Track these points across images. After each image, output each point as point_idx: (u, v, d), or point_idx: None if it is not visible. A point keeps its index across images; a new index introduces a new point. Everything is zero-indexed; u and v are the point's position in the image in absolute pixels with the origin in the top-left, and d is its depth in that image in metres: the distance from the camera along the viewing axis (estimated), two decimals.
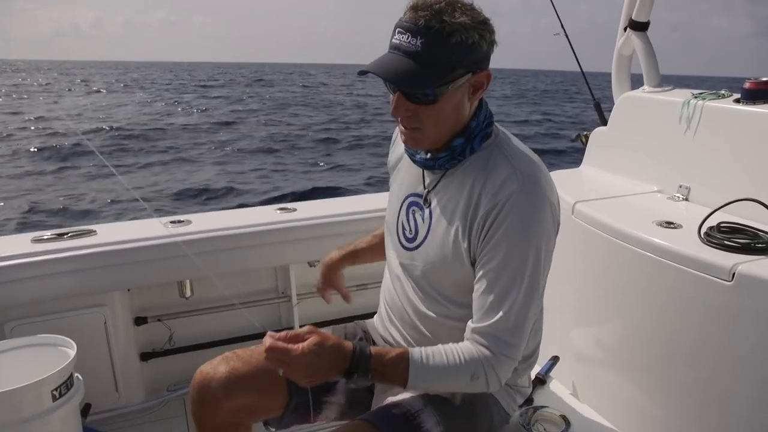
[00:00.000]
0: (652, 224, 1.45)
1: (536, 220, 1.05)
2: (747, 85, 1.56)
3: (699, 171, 1.63)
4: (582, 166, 2.05)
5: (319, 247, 1.46)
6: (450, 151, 1.12)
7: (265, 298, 2.21)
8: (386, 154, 1.39)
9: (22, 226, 7.29)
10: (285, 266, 2.19)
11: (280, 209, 2.13)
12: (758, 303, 1.17)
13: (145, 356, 2.09)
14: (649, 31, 2.00)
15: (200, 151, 13.77)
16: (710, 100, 1.64)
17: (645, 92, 1.93)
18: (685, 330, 1.33)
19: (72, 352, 1.51)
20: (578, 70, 2.44)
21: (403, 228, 1.24)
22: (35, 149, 13.29)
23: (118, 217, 7.80)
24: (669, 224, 1.45)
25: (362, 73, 1.04)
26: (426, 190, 1.20)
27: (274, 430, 1.31)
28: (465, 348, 1.06)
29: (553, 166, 1.28)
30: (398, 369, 1.03)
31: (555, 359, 1.70)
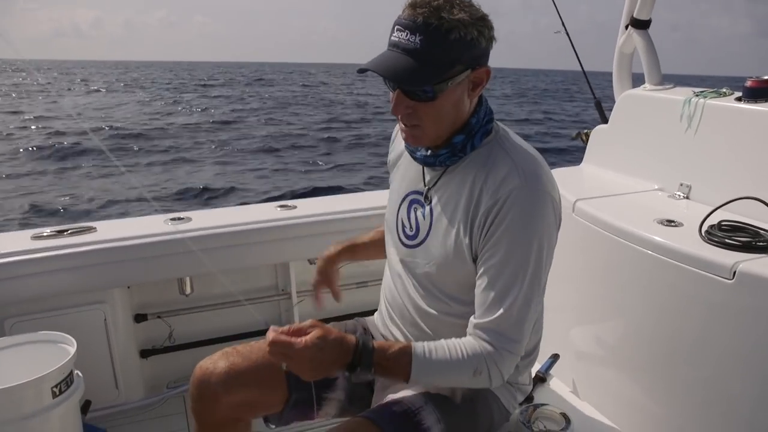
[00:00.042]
0: (652, 222, 1.45)
1: (538, 215, 1.05)
2: (748, 83, 1.56)
3: (700, 169, 1.63)
4: (583, 164, 2.05)
5: (320, 244, 1.46)
6: (450, 147, 1.12)
7: (266, 296, 2.21)
8: (387, 154, 1.39)
9: (22, 225, 7.29)
10: (285, 263, 2.19)
11: (281, 206, 2.13)
12: (759, 301, 1.16)
13: (145, 353, 2.09)
14: (650, 31, 2.00)
15: (200, 151, 13.77)
16: (711, 98, 1.64)
17: (646, 90, 1.93)
18: (686, 328, 1.33)
19: (72, 349, 1.51)
20: (578, 69, 2.44)
21: (404, 225, 1.24)
22: (34, 148, 13.29)
23: (119, 215, 7.79)
24: (670, 222, 1.45)
25: (362, 71, 1.04)
26: (426, 187, 1.20)
27: (274, 426, 1.31)
28: (468, 343, 1.06)
29: (553, 165, 1.28)
30: (401, 363, 1.03)
31: (555, 357, 1.70)
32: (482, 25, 1.03)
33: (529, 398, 1.43)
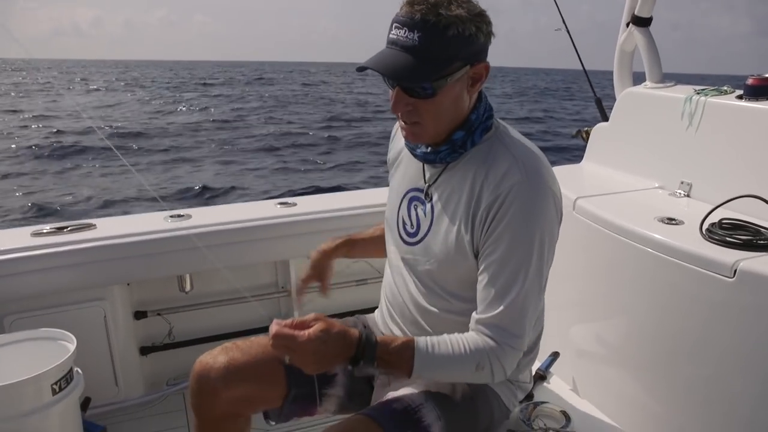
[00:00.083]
0: (653, 220, 1.45)
1: (539, 210, 1.05)
2: (750, 81, 1.56)
3: (701, 167, 1.63)
4: (583, 162, 2.05)
5: (320, 241, 1.46)
6: (451, 144, 1.12)
7: (266, 293, 2.21)
8: (387, 152, 1.39)
9: (22, 222, 7.29)
10: (285, 261, 2.19)
11: (281, 204, 2.13)
12: (760, 300, 1.16)
13: (144, 350, 2.09)
14: (650, 30, 2.00)
15: (201, 150, 13.76)
16: (712, 96, 1.64)
17: (647, 88, 1.92)
18: (687, 326, 1.33)
19: (72, 346, 1.51)
20: (579, 68, 2.44)
21: (404, 223, 1.24)
22: (34, 146, 13.28)
23: (121, 213, 7.78)
24: (670, 220, 1.45)
25: (361, 69, 1.04)
26: (427, 184, 1.20)
27: (273, 423, 1.31)
28: (470, 338, 1.06)
29: (554, 163, 1.27)
30: (404, 357, 1.03)
31: (555, 355, 1.70)
32: (480, 20, 1.03)
33: (529, 396, 1.43)
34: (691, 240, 1.32)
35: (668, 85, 1.90)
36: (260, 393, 1.26)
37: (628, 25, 2.00)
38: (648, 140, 1.80)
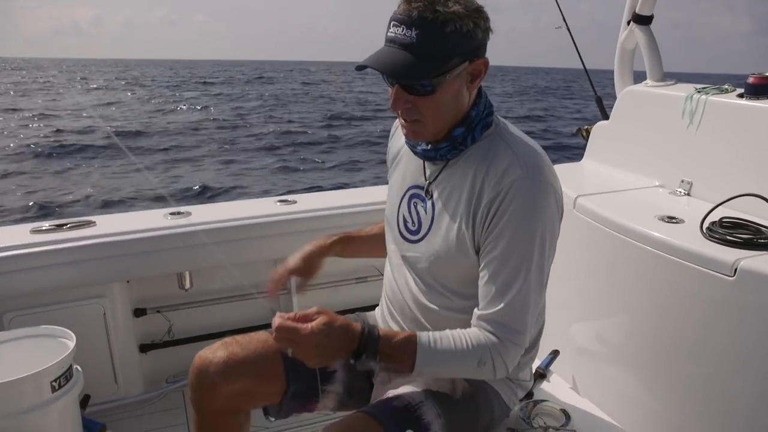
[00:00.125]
0: (653, 219, 1.45)
1: (540, 206, 1.05)
2: (751, 80, 1.56)
3: (701, 166, 1.63)
4: (583, 160, 2.05)
5: None
6: (451, 141, 1.12)
7: (265, 290, 2.21)
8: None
9: (22, 220, 7.29)
10: (285, 258, 2.19)
11: (280, 201, 2.13)
12: (760, 298, 1.16)
13: (144, 348, 2.09)
14: (651, 29, 1.99)
15: (201, 149, 13.75)
16: (713, 94, 1.64)
17: (648, 86, 1.92)
18: (687, 325, 1.33)
19: (71, 344, 1.51)
20: (579, 67, 2.44)
21: (405, 221, 1.23)
22: (34, 145, 13.27)
23: (123, 211, 7.76)
24: (671, 219, 1.44)
25: (360, 68, 1.04)
26: (428, 181, 1.19)
27: (273, 419, 1.31)
28: (473, 333, 1.06)
29: (554, 161, 1.27)
30: (406, 351, 1.03)
31: (555, 353, 1.70)
32: (478, 16, 1.03)
33: (529, 394, 1.43)
34: (691, 239, 1.32)
35: (669, 83, 1.90)
36: (259, 388, 1.26)
37: (629, 23, 2.00)
38: (649, 139, 1.80)
